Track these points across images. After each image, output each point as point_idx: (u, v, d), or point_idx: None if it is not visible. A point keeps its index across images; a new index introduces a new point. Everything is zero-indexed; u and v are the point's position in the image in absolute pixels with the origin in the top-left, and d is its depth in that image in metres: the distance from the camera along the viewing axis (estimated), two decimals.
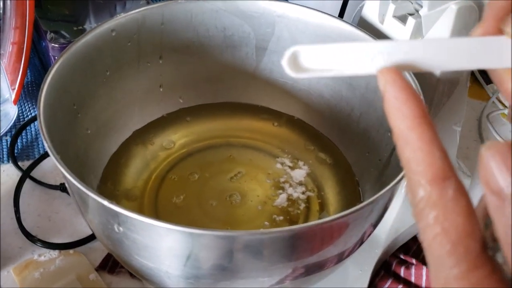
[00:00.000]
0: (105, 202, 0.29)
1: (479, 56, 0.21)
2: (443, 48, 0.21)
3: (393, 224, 0.49)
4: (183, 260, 0.31)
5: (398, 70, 0.21)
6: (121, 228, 0.31)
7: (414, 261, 0.49)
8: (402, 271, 0.49)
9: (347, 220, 0.32)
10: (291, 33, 0.49)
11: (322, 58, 0.22)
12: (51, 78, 0.38)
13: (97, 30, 0.43)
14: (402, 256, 0.50)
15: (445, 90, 0.46)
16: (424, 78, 0.44)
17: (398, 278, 0.49)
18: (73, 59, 0.41)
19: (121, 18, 0.44)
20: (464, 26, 0.41)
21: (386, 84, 0.21)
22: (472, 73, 0.73)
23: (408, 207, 0.49)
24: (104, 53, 0.44)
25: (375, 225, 0.40)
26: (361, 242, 0.39)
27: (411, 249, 0.52)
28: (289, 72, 0.22)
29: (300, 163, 0.49)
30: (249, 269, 0.32)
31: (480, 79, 0.73)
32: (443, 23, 0.41)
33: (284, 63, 0.22)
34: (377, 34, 0.46)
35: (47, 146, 0.33)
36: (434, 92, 0.46)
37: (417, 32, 0.44)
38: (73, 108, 0.42)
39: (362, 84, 0.47)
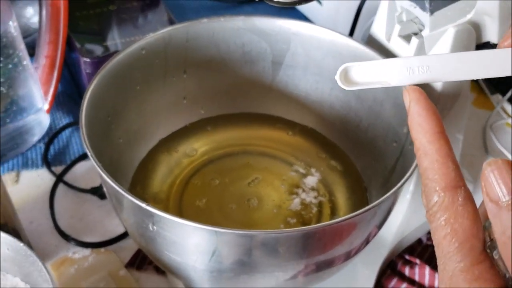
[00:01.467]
0: (143, 205, 0.34)
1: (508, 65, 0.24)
2: (475, 59, 0.25)
3: (399, 227, 0.53)
4: (208, 256, 0.36)
5: (422, 90, 0.25)
6: (155, 227, 0.36)
7: (418, 261, 0.53)
8: (406, 271, 0.53)
9: (354, 221, 0.36)
10: (305, 49, 0.53)
11: (369, 72, 0.26)
12: (89, 94, 0.42)
13: (128, 49, 0.47)
14: (407, 257, 0.54)
15: (447, 103, 0.50)
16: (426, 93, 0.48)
17: (403, 277, 0.52)
18: (107, 77, 0.45)
19: (150, 38, 0.49)
20: (462, 46, 0.45)
21: (411, 101, 0.25)
22: (477, 83, 0.76)
23: (413, 211, 0.53)
24: (135, 69, 0.49)
25: (379, 227, 0.44)
26: (366, 242, 0.43)
27: (415, 250, 0.55)
28: (341, 85, 0.26)
29: (313, 170, 0.53)
30: (265, 264, 0.36)
31: (485, 89, 0.77)
32: (443, 43, 0.45)
33: (337, 77, 0.26)
34: (385, 51, 0.50)
35: (89, 154, 0.37)
36: (436, 105, 0.50)
37: (420, 50, 0.47)
38: (108, 120, 0.47)
39: (370, 96, 0.51)
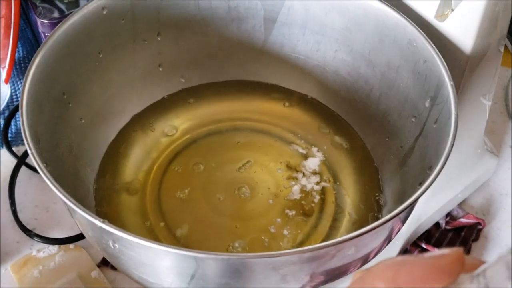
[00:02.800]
0: (97, 222, 0.26)
1: None
2: None
3: (414, 212, 0.46)
4: (186, 279, 0.28)
5: None
6: (116, 245, 0.28)
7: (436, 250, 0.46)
8: None
9: (375, 232, 0.28)
10: (304, 3, 0.44)
11: None
12: (35, 68, 0.34)
13: (85, 9, 0.38)
14: (423, 245, 0.47)
15: (475, 64, 0.42)
16: (454, 56, 0.39)
17: None
18: (60, 45, 0.37)
19: None
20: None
21: None
22: None
23: (431, 194, 0.46)
24: (95, 34, 0.40)
25: (404, 221, 0.37)
26: (388, 241, 0.36)
27: (433, 236, 0.48)
28: None
29: (314, 149, 0.45)
30: (259, 286, 0.29)
31: (507, 43, 0.68)
32: None
33: None
34: (400, 6, 0.41)
35: (29, 150, 0.29)
36: (464, 68, 0.41)
37: (445, 5, 0.38)
38: (63, 98, 0.38)
39: (383, 61, 0.42)
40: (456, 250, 0.18)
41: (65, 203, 0.28)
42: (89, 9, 0.39)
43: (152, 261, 0.28)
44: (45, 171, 0.28)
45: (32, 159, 0.29)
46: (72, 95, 0.39)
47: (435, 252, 0.18)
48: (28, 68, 0.34)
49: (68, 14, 0.49)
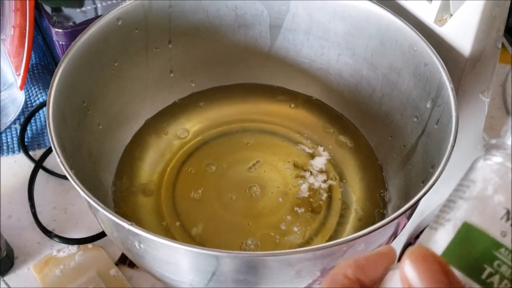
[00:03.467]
0: (125, 224, 0.28)
1: None
2: None
3: (417, 208, 0.48)
4: (207, 276, 0.30)
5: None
6: (141, 245, 0.30)
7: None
8: None
9: (384, 229, 0.30)
10: (308, 10, 0.46)
11: None
12: (57, 81, 0.36)
13: (101, 21, 0.40)
14: None
15: (473, 64, 0.43)
16: (453, 59, 0.41)
17: None
18: (79, 56, 0.39)
19: (127, 6, 0.42)
20: (496, 4, 0.38)
21: None
22: None
23: (432, 190, 0.48)
24: (111, 43, 0.42)
25: (409, 217, 0.39)
26: (395, 236, 0.38)
27: None
28: None
29: (320, 149, 0.47)
30: (276, 281, 0.31)
31: (503, 40, 0.69)
32: (473, 2, 0.38)
33: None
34: (400, 11, 0.42)
35: (59, 161, 0.31)
36: (463, 69, 0.43)
37: (444, 10, 0.40)
38: (83, 106, 0.40)
39: (385, 63, 0.44)
40: (387, 247, 0.22)
41: (92, 207, 0.30)
42: (106, 21, 0.40)
43: (175, 260, 0.30)
44: (74, 178, 0.30)
45: (62, 168, 0.31)
46: (91, 103, 0.41)
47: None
48: (51, 80, 0.36)
49: (82, 23, 0.51)
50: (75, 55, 0.38)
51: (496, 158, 0.22)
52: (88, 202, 0.30)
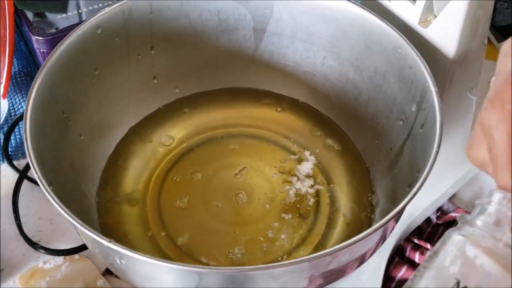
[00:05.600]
0: (104, 242, 0.28)
1: None
2: None
3: (406, 210, 0.48)
4: None
5: None
6: (123, 261, 0.30)
7: (429, 246, 0.48)
8: (417, 257, 0.47)
9: (369, 238, 0.30)
10: (292, 14, 0.45)
11: None
12: (35, 93, 0.35)
13: (80, 30, 0.40)
14: (416, 241, 0.49)
15: (457, 64, 0.43)
16: (438, 61, 0.41)
17: (413, 264, 0.47)
18: (57, 66, 0.38)
19: (106, 13, 0.41)
20: (479, 5, 0.38)
21: None
22: None
23: (421, 192, 0.47)
24: (91, 52, 0.41)
25: (397, 220, 0.38)
26: (383, 240, 0.37)
27: (424, 231, 0.50)
28: None
29: (307, 153, 0.47)
30: None
31: (492, 37, 0.69)
32: (456, 3, 0.38)
33: None
34: (385, 13, 0.42)
35: (36, 174, 0.30)
36: (448, 71, 0.43)
37: (428, 12, 0.40)
38: (63, 117, 0.40)
39: (370, 66, 0.44)
40: None
41: (72, 223, 0.29)
42: (84, 30, 0.40)
43: (158, 275, 0.29)
44: (51, 193, 0.29)
45: (39, 183, 0.30)
46: (71, 113, 0.40)
47: None
48: (28, 93, 0.35)
49: (64, 29, 0.50)
50: (54, 65, 0.38)
51: (462, 232, 0.24)
52: (67, 218, 0.29)
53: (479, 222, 0.24)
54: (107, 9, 0.41)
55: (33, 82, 0.35)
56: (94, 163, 0.44)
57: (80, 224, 0.28)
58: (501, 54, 0.28)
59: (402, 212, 0.38)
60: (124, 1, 0.42)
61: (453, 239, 0.24)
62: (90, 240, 0.31)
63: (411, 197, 0.31)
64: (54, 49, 0.38)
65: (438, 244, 0.25)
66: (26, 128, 0.33)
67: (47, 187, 0.30)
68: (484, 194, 0.25)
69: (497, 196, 0.25)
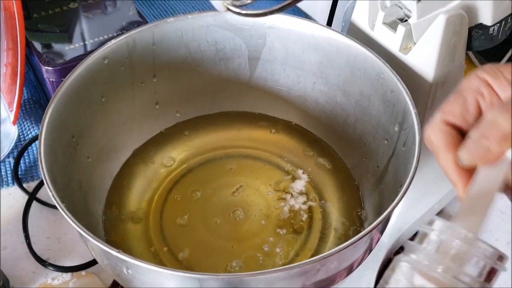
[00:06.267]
0: (113, 252, 0.30)
1: None
2: None
3: (395, 224, 0.50)
4: None
5: None
6: (129, 271, 0.32)
7: None
8: None
9: (354, 246, 0.33)
10: (283, 43, 0.49)
11: None
12: (48, 118, 0.38)
13: (89, 60, 0.43)
14: None
15: (439, 86, 0.46)
16: (419, 84, 0.44)
17: None
18: (68, 94, 0.41)
19: (112, 45, 0.45)
20: (454, 33, 0.41)
21: None
22: (467, 54, 0.72)
23: (409, 206, 0.50)
24: (98, 81, 0.45)
25: (382, 232, 0.41)
26: (369, 251, 0.40)
27: None
28: None
29: (300, 171, 0.50)
30: None
31: (475, 60, 0.73)
32: (433, 31, 0.41)
33: None
34: (368, 41, 0.45)
35: (51, 195, 0.33)
36: (429, 93, 0.46)
37: (408, 39, 0.43)
38: (72, 141, 0.43)
39: (356, 91, 0.47)
40: None
41: (82, 236, 0.32)
42: (92, 60, 0.43)
43: (161, 284, 0.32)
44: (65, 210, 0.32)
45: (53, 201, 0.33)
46: (80, 137, 0.44)
47: None
48: (42, 118, 0.38)
49: (72, 60, 0.53)
50: (64, 94, 0.41)
51: (408, 259, 0.25)
52: (79, 232, 0.32)
53: (420, 249, 0.25)
54: (113, 41, 0.44)
55: (46, 109, 0.39)
56: (101, 183, 0.47)
57: (91, 237, 0.31)
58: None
59: (386, 224, 0.41)
60: (128, 33, 0.45)
61: (401, 267, 0.25)
62: (99, 252, 0.34)
63: (393, 207, 0.34)
64: (65, 78, 0.41)
65: (388, 272, 0.26)
66: (40, 151, 0.36)
67: (60, 204, 0.33)
68: (425, 221, 0.26)
69: (437, 223, 0.26)
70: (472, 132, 0.26)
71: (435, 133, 0.29)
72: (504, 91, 0.28)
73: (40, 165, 0.35)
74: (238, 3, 0.29)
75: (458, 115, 0.29)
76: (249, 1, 0.29)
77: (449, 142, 0.28)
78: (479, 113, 0.29)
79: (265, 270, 0.30)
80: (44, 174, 0.34)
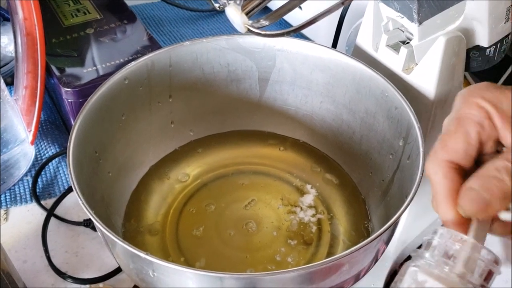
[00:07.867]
0: (142, 254, 0.33)
1: None
2: None
3: (400, 236, 0.53)
4: None
5: None
6: (155, 274, 0.35)
7: None
8: None
9: (360, 252, 0.35)
10: (292, 64, 0.52)
11: None
12: (74, 135, 0.41)
13: (111, 81, 0.46)
14: None
15: (440, 105, 0.49)
16: (421, 102, 0.47)
17: None
18: (91, 112, 0.44)
19: (132, 67, 0.47)
20: (453, 53, 0.44)
21: None
22: (464, 76, 0.75)
23: (413, 219, 0.53)
24: (119, 100, 0.47)
25: (387, 243, 0.43)
26: (376, 260, 0.42)
27: None
28: None
29: (308, 186, 0.53)
30: None
31: (471, 82, 0.76)
32: (434, 52, 0.44)
33: None
34: (372, 62, 0.49)
35: (82, 203, 0.36)
36: (430, 111, 0.49)
37: (410, 60, 0.46)
38: (95, 156, 0.45)
39: (362, 108, 0.50)
40: None
41: (111, 241, 0.34)
42: (114, 80, 0.46)
43: (184, 284, 0.34)
44: (95, 217, 0.35)
45: (85, 210, 0.35)
46: (102, 153, 0.46)
47: None
48: (70, 135, 0.41)
49: (87, 83, 0.56)
50: (88, 112, 0.44)
51: (415, 264, 0.29)
52: (109, 237, 0.34)
53: (427, 255, 0.30)
54: (134, 62, 0.47)
55: (73, 126, 0.41)
56: (120, 197, 0.49)
57: (121, 241, 0.34)
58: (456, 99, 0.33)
59: (392, 234, 0.43)
60: (148, 55, 0.48)
61: (409, 271, 0.29)
62: (125, 257, 0.36)
63: (400, 213, 0.37)
64: (90, 98, 0.44)
65: (398, 276, 0.29)
66: (69, 163, 0.38)
67: (91, 211, 0.35)
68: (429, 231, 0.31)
69: (440, 232, 0.30)
70: (474, 182, 0.28)
71: (439, 178, 0.30)
72: (503, 124, 0.29)
73: (70, 176, 0.37)
74: (257, 24, 0.32)
75: (461, 152, 0.30)
76: (267, 23, 0.32)
77: (451, 190, 0.30)
78: (481, 145, 0.30)
79: (283, 270, 0.32)
80: (74, 184, 0.37)
